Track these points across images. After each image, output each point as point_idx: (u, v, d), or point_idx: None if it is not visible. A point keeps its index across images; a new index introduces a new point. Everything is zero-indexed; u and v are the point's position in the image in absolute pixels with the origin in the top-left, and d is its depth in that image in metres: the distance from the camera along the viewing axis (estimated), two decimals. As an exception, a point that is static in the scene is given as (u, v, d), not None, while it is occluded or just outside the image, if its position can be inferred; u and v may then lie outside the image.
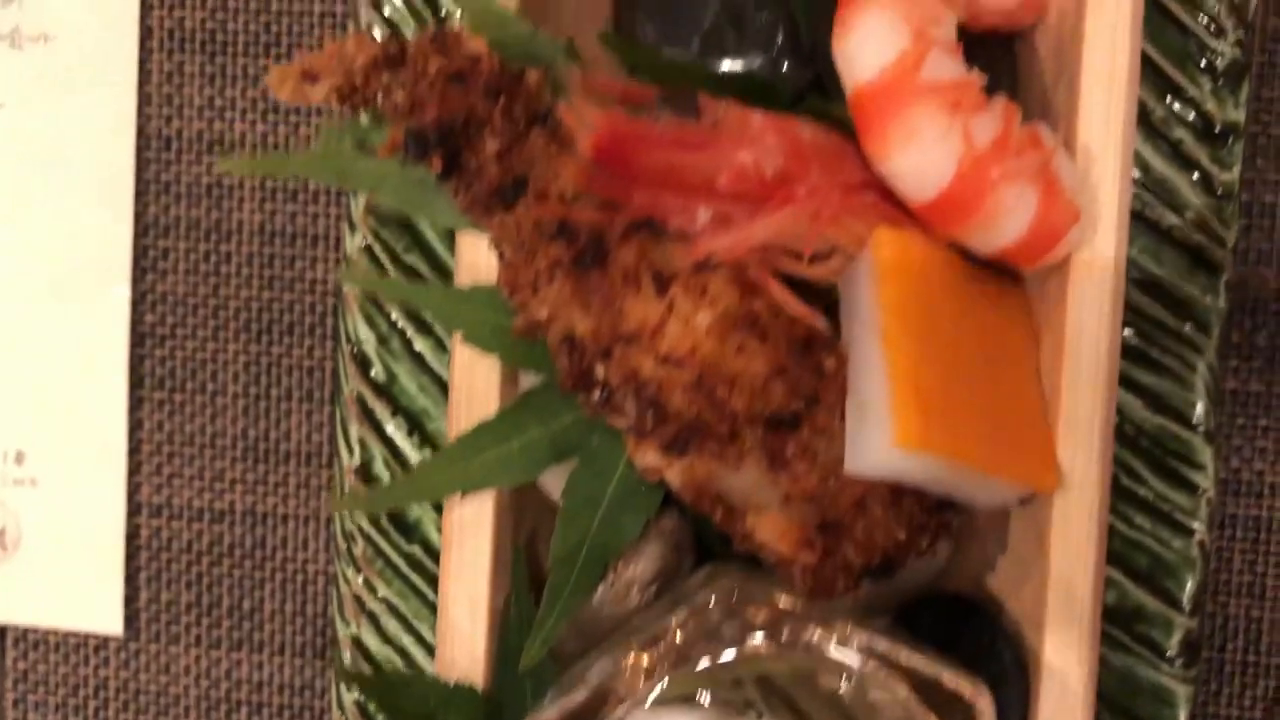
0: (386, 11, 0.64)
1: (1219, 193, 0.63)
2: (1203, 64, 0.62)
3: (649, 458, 0.48)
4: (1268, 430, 0.69)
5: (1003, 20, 0.50)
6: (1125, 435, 0.64)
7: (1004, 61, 0.51)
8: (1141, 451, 0.64)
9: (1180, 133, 0.63)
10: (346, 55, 0.49)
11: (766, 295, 0.47)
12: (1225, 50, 0.62)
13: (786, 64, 0.53)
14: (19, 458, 0.73)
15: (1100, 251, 0.48)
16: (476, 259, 0.51)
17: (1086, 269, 0.48)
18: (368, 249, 0.60)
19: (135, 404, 0.72)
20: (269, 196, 0.71)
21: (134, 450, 0.72)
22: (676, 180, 0.44)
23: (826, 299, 0.50)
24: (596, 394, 0.47)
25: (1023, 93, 0.51)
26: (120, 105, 0.71)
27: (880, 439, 0.46)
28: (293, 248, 0.71)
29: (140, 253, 0.72)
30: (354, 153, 0.50)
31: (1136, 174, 0.62)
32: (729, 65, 0.53)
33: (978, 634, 0.54)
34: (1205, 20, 0.62)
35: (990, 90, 0.50)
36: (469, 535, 0.51)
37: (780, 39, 0.53)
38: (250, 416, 0.72)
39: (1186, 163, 0.63)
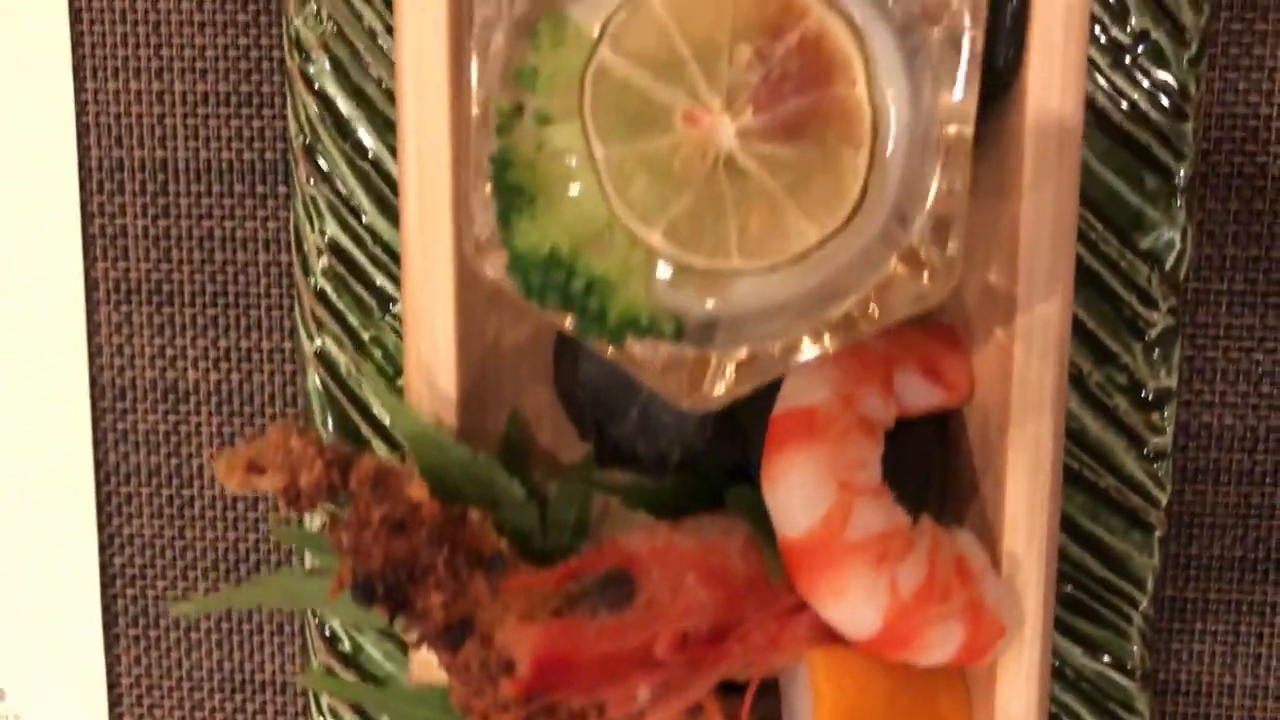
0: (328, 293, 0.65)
1: (1152, 456, 0.64)
2: (1135, 332, 0.63)
3: None
4: (1203, 634, 0.71)
5: (929, 411, 0.51)
6: (1066, 678, 0.67)
7: (932, 448, 0.52)
8: (1082, 695, 0.67)
9: (1115, 398, 0.64)
10: (292, 457, 0.51)
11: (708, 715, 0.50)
12: (1157, 319, 0.63)
13: (720, 439, 0.54)
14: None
15: (1027, 652, 0.50)
16: (429, 655, 0.52)
17: (1014, 667, 0.50)
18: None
19: (111, 641, 0.74)
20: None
21: (114, 684, 0.75)
22: (615, 666, 0.46)
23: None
24: (554, 817, 0.50)
25: (951, 475, 0.53)
26: (70, 358, 0.72)
27: None
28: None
29: (104, 499, 0.73)
30: (303, 576, 0.52)
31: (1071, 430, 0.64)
32: (665, 428, 0.54)
33: None
34: (1137, 292, 0.63)
35: (917, 473, 0.51)
36: None
37: (714, 414, 0.54)
38: (224, 650, 0.74)
39: (1121, 427, 0.64)
